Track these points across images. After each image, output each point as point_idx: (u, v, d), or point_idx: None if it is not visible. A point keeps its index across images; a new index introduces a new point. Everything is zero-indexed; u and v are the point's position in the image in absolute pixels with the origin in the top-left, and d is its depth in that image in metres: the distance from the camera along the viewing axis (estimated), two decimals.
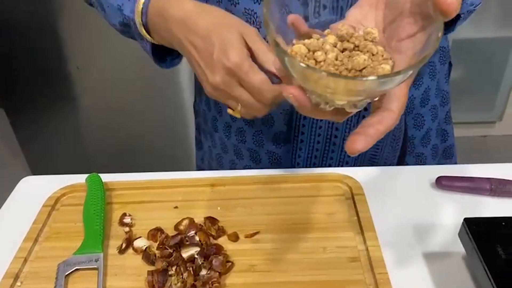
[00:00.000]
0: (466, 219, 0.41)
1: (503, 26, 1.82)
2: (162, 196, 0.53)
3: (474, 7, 0.51)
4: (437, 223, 0.49)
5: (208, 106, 0.64)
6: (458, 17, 0.49)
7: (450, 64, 0.70)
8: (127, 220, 0.49)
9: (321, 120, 0.57)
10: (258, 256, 0.45)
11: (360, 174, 0.55)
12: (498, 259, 0.37)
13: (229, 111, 0.46)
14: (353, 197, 0.51)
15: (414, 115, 0.63)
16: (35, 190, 0.56)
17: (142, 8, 0.49)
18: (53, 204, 0.53)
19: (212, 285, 0.41)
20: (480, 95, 1.95)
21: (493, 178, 0.52)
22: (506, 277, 0.36)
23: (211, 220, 0.48)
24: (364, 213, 0.49)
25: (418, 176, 0.56)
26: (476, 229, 0.40)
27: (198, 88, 0.67)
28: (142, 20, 0.50)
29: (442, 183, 0.53)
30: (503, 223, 0.40)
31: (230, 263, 0.44)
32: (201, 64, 0.45)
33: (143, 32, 0.50)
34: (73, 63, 1.52)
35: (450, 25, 0.51)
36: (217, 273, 0.42)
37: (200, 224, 0.47)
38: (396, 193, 0.54)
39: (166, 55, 0.54)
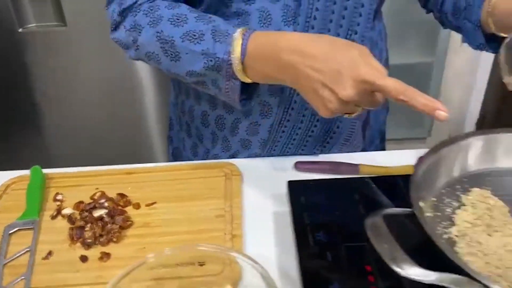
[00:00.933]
0: (289, 181, 0.60)
1: (423, 53, 2.08)
2: (88, 181, 0.70)
3: None
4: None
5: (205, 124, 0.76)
6: None
7: (388, 110, 0.90)
8: (59, 197, 0.66)
9: (303, 116, 0.70)
10: (153, 217, 0.63)
11: (242, 162, 0.74)
12: (300, 205, 0.56)
13: (346, 116, 0.54)
14: (231, 177, 0.70)
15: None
16: None
17: (242, 48, 0.54)
18: (4, 189, 0.69)
19: (114, 234, 0.59)
20: (410, 113, 2.18)
21: (331, 162, 0.72)
22: (302, 219, 0.54)
23: (121, 195, 0.66)
24: (235, 186, 0.67)
25: (286, 162, 0.75)
26: (293, 187, 0.59)
27: (194, 119, 0.78)
28: (241, 60, 0.54)
29: (297, 166, 0.72)
30: (311, 183, 0.59)
31: (130, 222, 0.61)
32: (328, 84, 0.49)
33: (240, 71, 0.55)
34: (39, 89, 1.68)
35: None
36: (118, 226, 0.59)
37: (111, 197, 0.65)
38: (267, 174, 0.72)
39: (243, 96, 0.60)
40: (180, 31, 0.58)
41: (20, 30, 1.55)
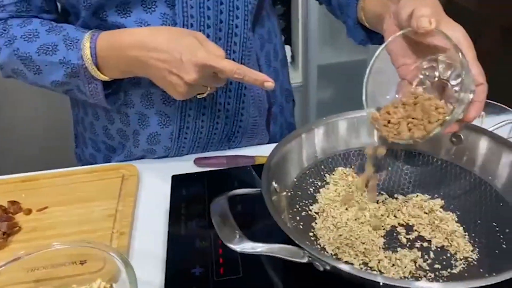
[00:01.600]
0: (172, 176, 0.61)
1: (355, 51, 2.15)
2: None
3: None
4: None
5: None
6: None
7: (294, 102, 0.92)
8: None
9: (202, 121, 0.72)
10: (43, 221, 0.63)
11: (143, 162, 0.75)
12: (181, 196, 0.57)
13: (199, 96, 0.61)
14: (128, 178, 0.70)
15: None
16: None
17: (91, 51, 0.59)
18: None
19: None
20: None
21: (229, 156, 0.73)
22: (180, 210, 0.56)
23: (12, 202, 0.65)
24: (131, 186, 0.68)
25: (188, 160, 0.76)
26: (176, 181, 0.60)
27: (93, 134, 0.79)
28: (93, 61, 0.59)
29: (196, 162, 0.74)
30: (195, 175, 0.61)
31: (18, 228, 0.61)
32: (174, 71, 0.55)
33: (96, 71, 0.59)
34: None
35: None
36: (2, 233, 0.59)
37: (2, 205, 0.64)
38: (168, 173, 0.73)
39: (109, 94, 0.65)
40: (35, 46, 0.61)
41: None
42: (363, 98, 0.49)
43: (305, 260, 0.38)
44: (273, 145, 0.79)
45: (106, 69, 0.60)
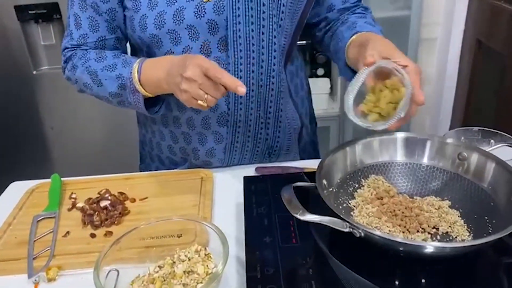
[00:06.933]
0: (244, 177, 0.81)
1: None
2: (95, 185, 0.91)
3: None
4: None
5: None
6: None
7: (316, 123, 1.13)
8: (73, 196, 0.87)
9: (248, 137, 0.93)
10: (145, 207, 0.84)
11: (216, 169, 0.95)
12: (251, 191, 0.77)
13: (200, 103, 0.71)
14: (206, 179, 0.91)
15: None
16: (19, 188, 0.93)
17: (138, 69, 0.79)
18: (31, 192, 0.90)
19: (115, 219, 0.79)
20: None
21: (283, 166, 0.93)
22: (251, 200, 0.75)
23: (121, 193, 0.87)
24: (208, 185, 0.88)
25: (249, 169, 0.95)
26: (247, 180, 0.80)
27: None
28: (137, 77, 0.78)
29: (257, 170, 0.93)
30: (260, 177, 0.80)
31: (128, 210, 0.82)
32: (179, 72, 0.70)
33: (138, 85, 0.78)
34: (48, 124, 1.90)
35: None
36: (118, 213, 0.80)
37: (114, 194, 0.86)
38: (234, 177, 0.93)
39: (152, 106, 0.86)
40: (101, 65, 0.84)
41: (34, 72, 1.79)
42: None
43: (346, 229, 0.56)
44: (313, 160, 1.00)
45: (145, 86, 0.80)
